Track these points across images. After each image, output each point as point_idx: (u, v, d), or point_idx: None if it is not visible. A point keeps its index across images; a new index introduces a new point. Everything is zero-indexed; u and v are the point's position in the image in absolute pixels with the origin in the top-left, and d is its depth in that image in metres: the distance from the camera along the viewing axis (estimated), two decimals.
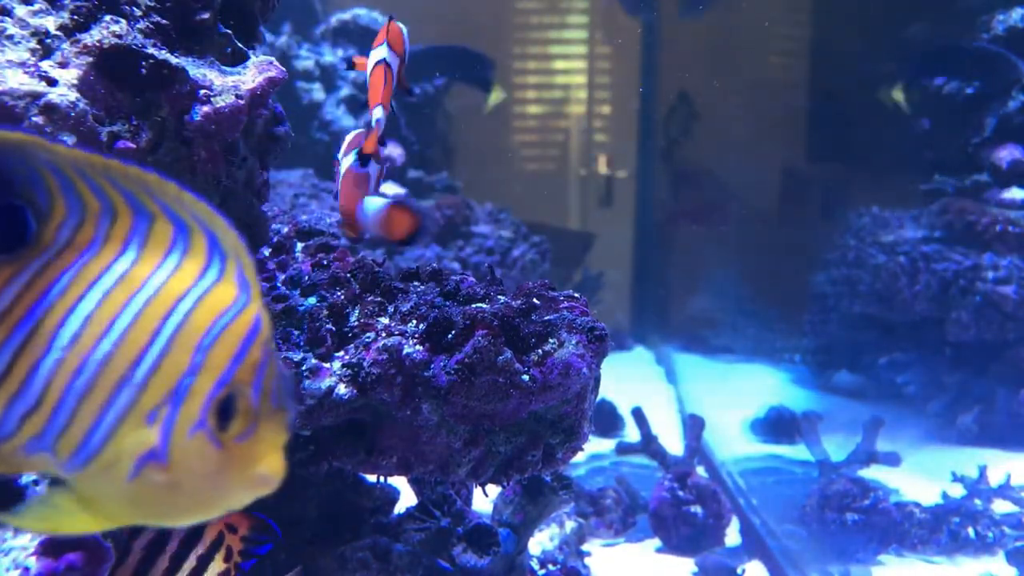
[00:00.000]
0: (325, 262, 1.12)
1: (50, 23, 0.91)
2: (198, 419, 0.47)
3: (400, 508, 1.32)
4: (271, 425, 0.49)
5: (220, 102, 0.98)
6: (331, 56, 3.36)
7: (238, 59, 1.07)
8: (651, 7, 4.10)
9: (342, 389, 0.99)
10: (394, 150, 3.25)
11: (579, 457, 1.13)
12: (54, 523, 0.51)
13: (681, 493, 1.97)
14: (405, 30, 1.18)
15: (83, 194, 0.50)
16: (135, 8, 0.96)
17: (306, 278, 1.09)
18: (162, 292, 0.50)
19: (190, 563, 0.92)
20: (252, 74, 1.03)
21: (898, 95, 3.13)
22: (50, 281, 0.49)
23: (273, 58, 1.07)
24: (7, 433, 0.48)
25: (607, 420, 2.75)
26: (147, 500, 0.48)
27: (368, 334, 1.02)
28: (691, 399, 3.13)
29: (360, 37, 3.40)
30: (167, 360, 0.48)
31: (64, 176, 0.50)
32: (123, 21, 0.94)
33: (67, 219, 0.50)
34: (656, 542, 2.01)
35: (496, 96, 3.72)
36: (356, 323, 1.04)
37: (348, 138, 1.21)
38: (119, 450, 0.47)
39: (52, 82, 0.87)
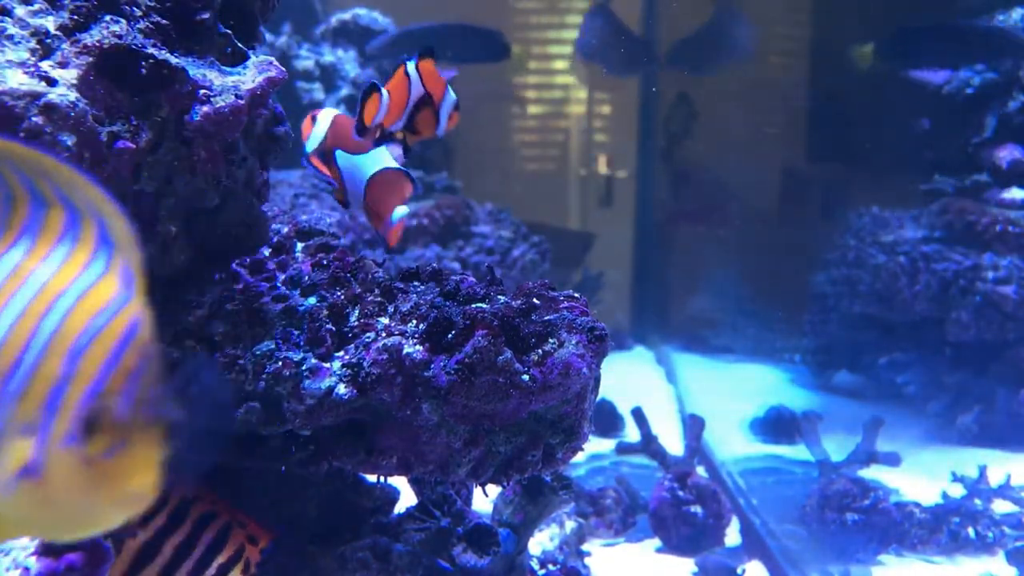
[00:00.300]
0: (325, 262, 1.12)
1: (50, 23, 0.91)
2: (69, 433, 0.44)
3: (400, 508, 1.32)
4: (144, 439, 0.45)
5: (220, 102, 0.98)
6: (331, 56, 3.36)
7: (238, 59, 1.07)
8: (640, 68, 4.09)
9: (342, 389, 0.99)
10: (394, 150, 3.25)
11: (579, 457, 1.13)
12: None
13: (681, 493, 1.98)
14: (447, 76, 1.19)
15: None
16: (135, 8, 0.96)
17: (306, 278, 1.09)
18: (45, 288, 0.46)
19: (211, 571, 0.92)
20: (252, 74, 1.03)
21: (865, 55, 3.11)
22: None
23: (273, 58, 1.08)
24: None
25: (607, 420, 2.75)
26: (24, 515, 0.45)
27: (368, 334, 1.02)
28: (691, 399, 3.13)
29: (360, 37, 3.40)
30: (42, 366, 0.44)
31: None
32: (123, 21, 0.94)
33: None
34: (656, 542, 2.01)
35: (519, 53, 3.67)
36: (356, 323, 1.04)
37: (324, 121, 1.21)
38: None
39: (52, 82, 0.87)
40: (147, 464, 0.45)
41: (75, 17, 0.92)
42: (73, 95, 0.87)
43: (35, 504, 0.44)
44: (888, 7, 3.47)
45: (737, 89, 3.98)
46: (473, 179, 3.87)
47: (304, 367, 1.00)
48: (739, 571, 1.79)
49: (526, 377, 0.99)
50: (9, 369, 0.44)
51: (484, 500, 1.26)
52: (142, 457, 0.45)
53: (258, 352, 1.00)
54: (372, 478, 1.27)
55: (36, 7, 0.91)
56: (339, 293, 1.06)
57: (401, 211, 1.15)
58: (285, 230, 1.20)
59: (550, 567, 1.53)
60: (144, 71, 0.93)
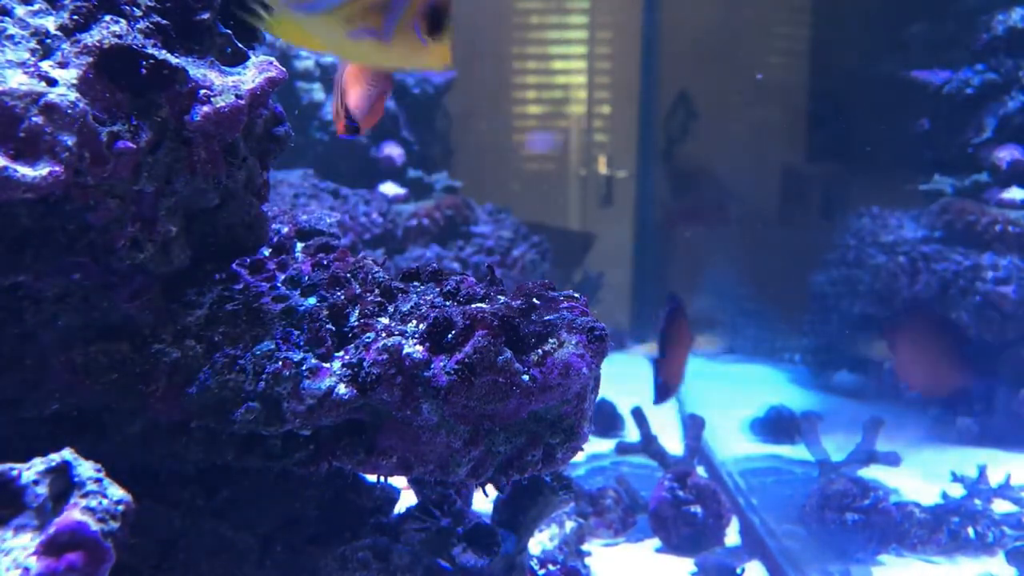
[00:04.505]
0: (325, 262, 1.12)
1: (50, 23, 0.91)
2: (412, 21, 0.61)
3: (400, 508, 1.32)
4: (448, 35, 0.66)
5: (220, 102, 0.98)
6: (331, 56, 3.36)
7: (238, 59, 1.07)
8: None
9: (342, 389, 0.99)
10: (394, 150, 3.25)
11: (579, 457, 1.13)
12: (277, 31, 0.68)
13: (681, 493, 1.98)
14: None
15: None
16: (135, 8, 0.96)
17: (306, 278, 1.09)
18: None
19: None
20: (252, 74, 1.03)
21: None
22: None
23: (273, 58, 1.08)
24: None
25: (607, 420, 2.75)
26: (357, 51, 0.64)
27: (368, 334, 1.02)
28: (691, 399, 3.13)
29: None
30: None
31: None
32: (123, 21, 0.94)
33: None
34: (656, 542, 2.01)
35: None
36: (356, 323, 1.04)
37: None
38: (341, 18, 0.61)
39: (52, 82, 0.87)
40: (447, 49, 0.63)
41: (75, 17, 0.92)
42: (73, 95, 0.87)
43: (371, 52, 0.63)
44: (888, 7, 3.47)
45: (737, 89, 3.98)
46: (473, 179, 3.87)
47: (304, 367, 1.00)
48: (739, 571, 1.79)
49: (526, 377, 0.99)
50: None
51: (484, 500, 1.26)
52: (447, 44, 0.63)
53: (258, 352, 1.00)
54: (372, 478, 1.27)
55: (36, 7, 0.91)
56: (339, 293, 1.06)
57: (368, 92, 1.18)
58: (285, 230, 1.20)
59: (550, 567, 1.53)
60: (144, 71, 0.93)
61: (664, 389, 1.98)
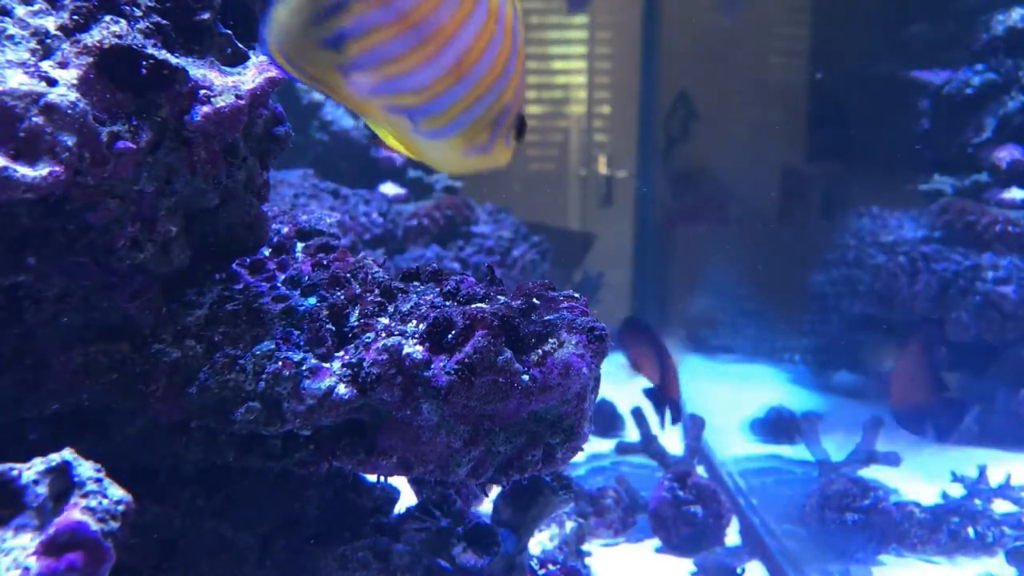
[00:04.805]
0: (325, 262, 1.12)
1: (50, 23, 0.91)
2: (507, 133, 0.67)
3: (400, 508, 1.32)
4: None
5: (220, 102, 0.98)
6: None
7: (238, 59, 1.07)
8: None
9: (342, 389, 0.99)
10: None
11: (579, 457, 1.13)
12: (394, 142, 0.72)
13: (681, 493, 1.98)
14: None
15: None
16: (135, 8, 0.96)
17: (306, 278, 1.09)
18: (508, 21, 0.65)
19: None
20: (252, 74, 1.03)
21: None
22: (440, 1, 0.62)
23: None
24: (388, 91, 0.64)
25: (607, 420, 2.75)
26: (463, 165, 0.69)
27: (368, 334, 1.02)
28: (691, 399, 3.12)
29: None
30: (505, 89, 0.65)
31: None
32: (123, 21, 0.94)
33: None
34: (656, 542, 2.01)
35: None
36: (356, 323, 1.04)
37: None
38: (465, 140, 0.66)
39: (52, 82, 0.87)
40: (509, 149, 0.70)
41: (75, 17, 0.92)
42: (73, 95, 0.87)
43: (475, 161, 0.68)
44: (888, 7, 3.47)
45: (737, 89, 3.98)
46: (473, 179, 3.87)
47: (304, 367, 1.00)
48: (739, 571, 1.79)
49: (526, 377, 0.99)
50: (490, 88, 0.64)
51: (484, 500, 1.26)
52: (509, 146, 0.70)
53: (258, 352, 1.00)
54: (372, 478, 1.27)
55: (36, 7, 0.91)
56: (339, 293, 1.06)
57: None
58: (285, 230, 1.20)
59: (550, 567, 1.53)
60: (144, 71, 0.93)
61: (674, 405, 1.98)
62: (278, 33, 0.64)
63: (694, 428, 2.20)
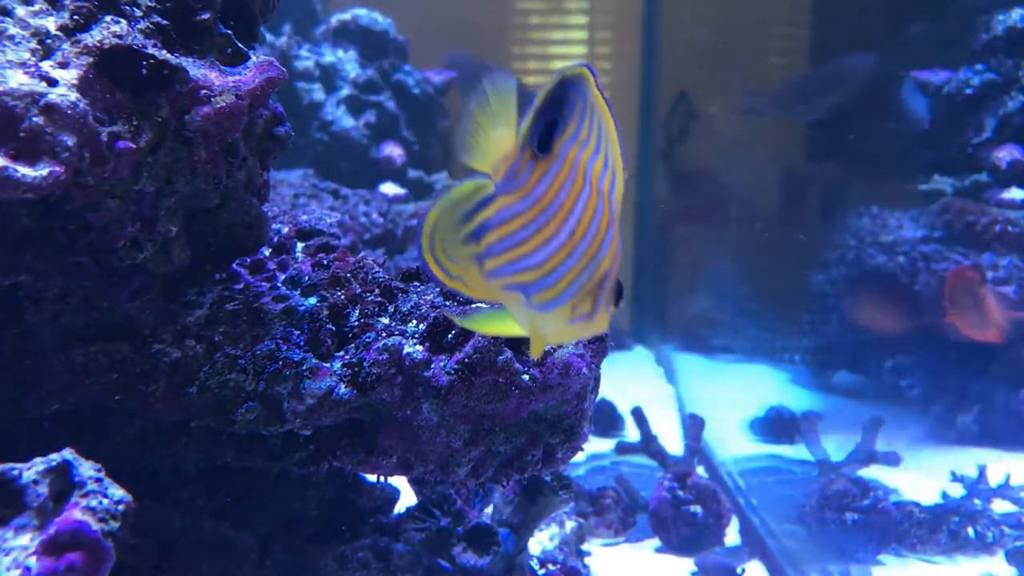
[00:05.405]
0: (325, 262, 1.12)
1: (50, 23, 0.91)
2: (608, 301, 0.69)
3: (400, 508, 1.32)
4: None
5: (220, 102, 0.98)
6: (331, 56, 3.36)
7: (238, 59, 1.07)
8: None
9: (342, 389, 0.99)
10: (394, 150, 3.25)
11: (579, 457, 1.13)
12: (492, 327, 0.76)
13: (681, 493, 1.97)
14: None
15: (585, 124, 0.66)
16: (135, 8, 0.96)
17: (306, 278, 1.09)
18: (608, 191, 0.68)
19: None
20: (252, 74, 1.03)
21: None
22: (563, 182, 0.66)
23: (273, 58, 1.07)
24: (512, 271, 0.67)
25: (607, 420, 2.75)
26: (567, 333, 0.71)
27: (368, 334, 1.02)
28: (691, 399, 3.12)
29: (360, 37, 3.40)
30: (605, 258, 0.68)
31: (584, 107, 0.66)
32: (123, 21, 0.94)
33: (570, 139, 0.67)
34: (656, 542, 2.01)
35: None
36: (356, 323, 1.04)
37: None
38: (570, 309, 0.68)
39: (52, 82, 0.87)
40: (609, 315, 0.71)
41: (75, 17, 0.92)
42: (73, 95, 0.87)
43: (578, 329, 0.69)
44: (888, 7, 3.47)
45: (737, 89, 3.98)
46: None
47: (304, 367, 1.00)
48: (739, 571, 1.79)
49: (526, 377, 0.99)
50: (591, 260, 0.67)
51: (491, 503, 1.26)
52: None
53: (258, 352, 1.00)
54: (372, 478, 1.27)
55: (37, 7, 0.91)
56: (339, 293, 1.06)
57: None
58: (285, 230, 1.20)
59: (550, 567, 1.53)
60: (144, 71, 0.93)
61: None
62: (430, 233, 0.68)
63: (694, 428, 2.20)
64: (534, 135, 0.66)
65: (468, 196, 0.69)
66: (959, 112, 3.02)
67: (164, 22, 0.98)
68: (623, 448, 2.25)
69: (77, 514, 0.77)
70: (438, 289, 1.09)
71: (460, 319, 0.77)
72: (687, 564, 1.89)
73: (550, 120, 0.66)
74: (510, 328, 0.73)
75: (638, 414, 2.21)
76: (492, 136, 0.68)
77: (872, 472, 2.20)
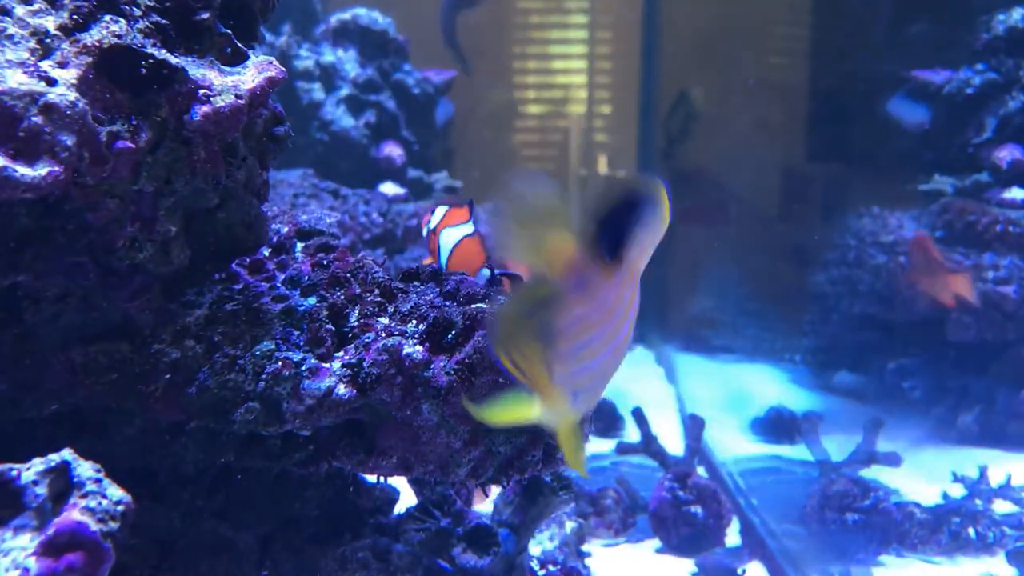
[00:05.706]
0: (325, 262, 1.12)
1: (50, 23, 0.91)
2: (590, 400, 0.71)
3: (400, 508, 1.32)
4: None
5: (220, 102, 0.98)
6: (331, 56, 3.36)
7: (238, 59, 1.07)
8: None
9: (342, 389, 0.99)
10: (394, 150, 3.25)
11: None
12: (513, 414, 0.75)
13: (681, 493, 1.97)
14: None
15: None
16: (135, 8, 0.96)
17: (306, 278, 1.09)
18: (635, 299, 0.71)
19: None
20: (252, 74, 1.03)
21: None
22: (625, 289, 0.68)
23: (273, 58, 1.07)
24: (572, 377, 0.68)
25: (607, 420, 2.75)
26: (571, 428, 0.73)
27: (368, 334, 1.02)
28: (691, 399, 3.12)
29: (360, 37, 3.39)
30: (608, 366, 0.70)
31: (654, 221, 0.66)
32: (123, 21, 0.94)
33: (636, 246, 0.68)
34: (656, 542, 2.01)
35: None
36: (356, 323, 1.04)
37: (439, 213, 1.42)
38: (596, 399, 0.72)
39: (51, 82, 0.87)
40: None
41: (75, 17, 0.92)
42: (73, 95, 0.87)
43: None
44: (888, 7, 3.46)
45: (737, 89, 3.98)
46: (473, 179, 3.87)
47: (304, 367, 1.00)
48: (739, 571, 1.79)
49: None
50: (615, 363, 0.69)
51: (484, 500, 1.26)
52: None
53: (258, 352, 1.00)
54: (372, 478, 1.27)
55: (36, 7, 0.91)
56: (339, 293, 1.06)
57: (483, 273, 1.30)
58: (285, 230, 1.19)
59: (550, 567, 1.53)
60: (144, 71, 0.93)
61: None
62: (503, 328, 0.68)
63: (694, 428, 2.20)
64: (605, 243, 0.65)
65: (540, 297, 0.68)
66: (960, 112, 3.02)
67: (163, 21, 0.98)
68: (623, 448, 2.25)
69: (76, 515, 0.77)
70: (438, 289, 1.08)
71: (477, 409, 0.77)
72: (687, 565, 1.89)
73: (623, 231, 0.65)
74: (526, 415, 0.73)
75: (638, 414, 2.21)
76: (549, 239, 0.66)
77: (873, 472, 2.20)
